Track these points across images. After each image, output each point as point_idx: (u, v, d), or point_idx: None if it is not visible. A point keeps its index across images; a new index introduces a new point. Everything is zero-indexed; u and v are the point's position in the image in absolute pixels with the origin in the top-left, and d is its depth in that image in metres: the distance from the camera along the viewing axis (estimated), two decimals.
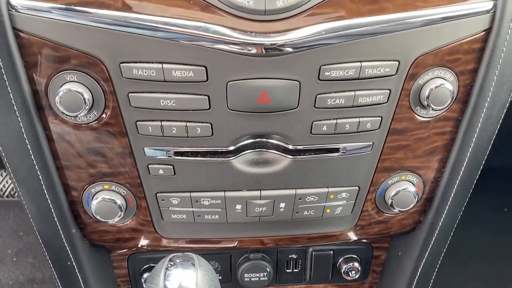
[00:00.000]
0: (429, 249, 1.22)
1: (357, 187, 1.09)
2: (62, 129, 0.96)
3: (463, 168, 1.08)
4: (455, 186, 1.11)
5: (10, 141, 0.97)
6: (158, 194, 1.05)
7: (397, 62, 0.92)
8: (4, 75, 0.88)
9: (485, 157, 1.10)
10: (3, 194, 2.42)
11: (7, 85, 0.89)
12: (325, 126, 0.96)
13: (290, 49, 0.86)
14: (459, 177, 1.10)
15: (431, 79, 0.96)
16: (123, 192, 1.05)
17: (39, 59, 0.88)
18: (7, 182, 2.40)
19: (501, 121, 1.05)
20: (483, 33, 0.94)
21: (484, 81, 0.97)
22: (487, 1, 0.92)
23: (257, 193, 1.05)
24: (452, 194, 1.13)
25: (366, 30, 0.87)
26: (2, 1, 0.83)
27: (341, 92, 0.93)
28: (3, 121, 0.94)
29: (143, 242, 1.16)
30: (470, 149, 1.05)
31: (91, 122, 0.94)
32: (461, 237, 1.58)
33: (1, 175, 2.36)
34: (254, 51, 0.86)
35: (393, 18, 0.88)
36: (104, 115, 0.94)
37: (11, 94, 0.90)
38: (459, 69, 0.96)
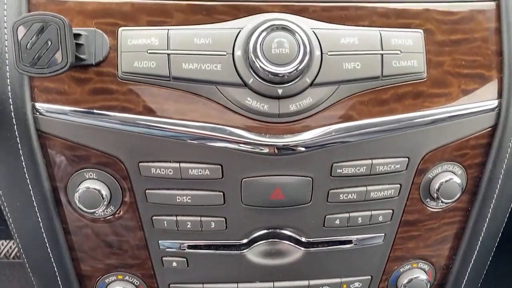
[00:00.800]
0: None
1: (370, 277, 1.09)
2: (79, 223, 0.97)
3: (474, 255, 1.09)
4: (467, 273, 1.11)
5: (27, 234, 0.98)
6: (171, 285, 1.05)
7: (407, 159, 0.94)
8: (26, 174, 0.91)
9: (496, 244, 1.11)
10: (9, 255, 2.42)
11: (28, 183, 0.92)
12: (337, 220, 0.98)
13: (302, 149, 0.89)
14: (471, 264, 1.10)
15: (440, 173, 0.98)
16: (136, 283, 1.05)
17: (60, 158, 0.92)
18: (13, 243, 2.41)
19: (510, 210, 1.07)
20: (489, 129, 0.97)
21: (492, 174, 0.99)
22: (492, 99, 0.96)
23: (270, 284, 1.05)
24: (465, 280, 1.12)
25: (376, 130, 0.91)
26: (28, 106, 0.88)
27: (353, 188, 0.95)
28: (22, 215, 0.96)
29: None
30: (481, 237, 1.06)
31: (108, 217, 0.96)
32: None
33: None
34: (267, 151, 0.89)
35: (401, 118, 0.92)
36: (121, 210, 0.96)
37: (31, 191, 0.93)
38: (467, 163, 0.99)
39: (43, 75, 0.78)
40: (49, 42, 0.77)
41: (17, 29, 0.76)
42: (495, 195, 1.01)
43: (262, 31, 0.85)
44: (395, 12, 0.92)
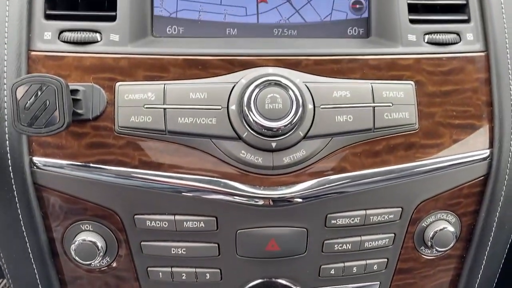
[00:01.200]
0: None
1: None
2: (75, 273, 0.98)
3: None
4: None
5: (23, 284, 0.99)
6: None
7: (401, 209, 0.95)
8: (23, 226, 0.92)
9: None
10: None
11: (25, 235, 0.93)
12: (332, 270, 0.98)
13: (296, 201, 0.90)
14: None
15: (434, 221, 0.99)
16: None
17: (56, 210, 0.93)
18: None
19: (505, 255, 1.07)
20: (482, 178, 0.98)
21: (486, 222, 1.00)
22: (484, 149, 0.97)
23: None
24: None
25: (369, 181, 0.92)
26: (25, 160, 0.89)
27: (347, 238, 0.95)
28: (18, 265, 0.96)
29: None
30: (476, 284, 1.06)
31: (104, 268, 0.97)
32: None
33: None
34: (262, 203, 0.90)
35: (394, 169, 0.93)
36: (116, 262, 0.96)
37: (28, 243, 0.93)
38: (461, 212, 1.00)
39: (40, 134, 0.79)
40: (47, 103, 0.79)
41: (16, 89, 0.78)
42: (489, 243, 1.02)
43: (256, 87, 0.87)
44: (386, 64, 0.94)
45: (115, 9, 0.94)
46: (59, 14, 0.94)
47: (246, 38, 1.01)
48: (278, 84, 0.87)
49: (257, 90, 0.86)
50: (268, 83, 0.87)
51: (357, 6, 1.04)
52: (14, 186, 0.89)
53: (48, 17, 0.93)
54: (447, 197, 0.97)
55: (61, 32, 0.92)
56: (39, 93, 0.78)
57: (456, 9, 1.02)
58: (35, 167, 0.90)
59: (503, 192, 0.97)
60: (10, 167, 0.89)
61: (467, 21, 1.00)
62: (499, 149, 0.96)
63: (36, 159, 0.90)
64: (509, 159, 0.96)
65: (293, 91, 0.87)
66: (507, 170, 0.96)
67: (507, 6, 1.00)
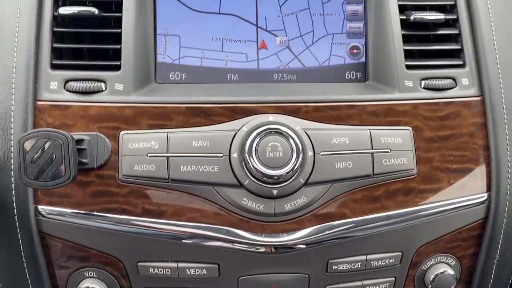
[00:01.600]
0: None
1: None
2: None
3: None
4: None
5: None
6: None
7: (401, 253, 0.96)
8: (27, 274, 0.93)
9: None
10: None
11: (29, 283, 0.94)
12: None
13: (298, 247, 0.91)
14: None
15: (434, 264, 1.00)
16: None
17: (60, 258, 0.94)
18: None
19: None
20: (481, 221, 0.99)
21: (485, 264, 1.01)
22: (482, 193, 0.98)
23: None
24: None
25: (369, 227, 0.93)
26: (31, 209, 0.91)
27: (348, 283, 0.96)
28: None
29: None
30: None
31: None
32: None
33: None
34: (264, 250, 0.91)
35: (394, 214, 0.94)
36: None
37: None
38: (461, 254, 1.01)
39: (46, 188, 0.81)
40: (54, 157, 0.80)
41: (23, 144, 0.80)
42: (489, 285, 1.02)
43: (257, 135, 0.89)
44: (384, 110, 0.97)
45: (119, 58, 0.96)
46: (65, 64, 0.97)
47: (247, 84, 1.03)
48: (278, 132, 0.89)
49: (258, 138, 0.89)
50: (269, 131, 0.89)
51: (355, 51, 1.07)
52: (19, 234, 0.91)
53: (54, 66, 0.96)
54: (446, 241, 0.98)
55: (67, 81, 0.95)
56: (46, 147, 0.80)
57: (451, 54, 1.05)
58: (40, 215, 0.91)
59: (501, 235, 0.99)
60: (16, 216, 0.90)
61: (462, 66, 1.03)
62: (496, 192, 0.97)
63: (41, 207, 0.91)
64: (507, 202, 0.98)
65: (293, 139, 0.89)
66: (505, 214, 0.98)
67: (501, 51, 1.02)
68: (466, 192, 0.98)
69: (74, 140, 0.82)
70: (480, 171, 0.99)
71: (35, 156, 0.80)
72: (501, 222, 0.98)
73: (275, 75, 1.06)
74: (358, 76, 1.06)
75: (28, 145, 0.80)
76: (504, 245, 0.99)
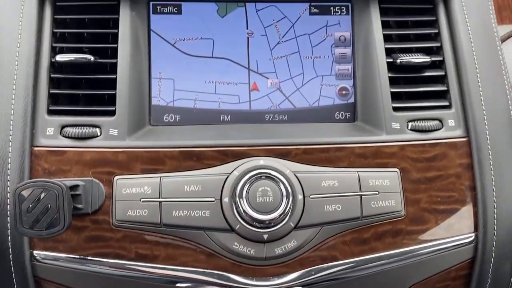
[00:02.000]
0: None
1: None
2: None
3: None
4: None
5: None
6: None
7: None
8: None
9: None
10: None
11: None
12: None
13: None
14: None
15: None
16: None
17: None
18: None
19: None
20: (469, 260, 1.01)
21: None
22: (469, 233, 1.00)
23: None
24: None
25: (359, 269, 0.95)
26: (26, 254, 0.92)
27: None
28: None
29: None
30: None
31: None
32: None
33: None
34: None
35: (383, 256, 0.96)
36: None
37: None
38: None
39: (41, 237, 0.83)
40: (49, 206, 0.83)
41: (19, 194, 0.82)
42: None
43: (248, 179, 0.91)
44: (372, 152, 0.99)
45: (114, 103, 0.99)
46: (61, 110, 0.99)
47: (239, 126, 1.06)
48: (268, 177, 0.92)
49: (248, 183, 0.91)
50: (259, 175, 0.92)
51: (344, 92, 1.10)
52: (14, 279, 0.92)
53: (50, 112, 0.99)
54: (436, 280, 1.00)
55: (63, 127, 0.97)
56: (41, 197, 0.82)
57: (437, 95, 1.08)
58: (35, 260, 0.93)
59: (489, 274, 1.00)
60: (11, 262, 0.92)
61: (448, 107, 1.06)
62: (483, 232, 0.99)
63: (36, 252, 0.93)
64: (494, 242, 0.99)
65: (283, 183, 0.91)
66: (493, 253, 0.99)
67: (485, 92, 1.05)
68: (454, 233, 1.00)
69: (69, 190, 0.84)
70: (467, 212, 1.01)
71: (31, 206, 0.82)
72: (489, 262, 0.99)
73: (267, 116, 1.09)
74: (347, 116, 1.09)
75: (23, 195, 0.82)
76: (492, 284, 1.01)
